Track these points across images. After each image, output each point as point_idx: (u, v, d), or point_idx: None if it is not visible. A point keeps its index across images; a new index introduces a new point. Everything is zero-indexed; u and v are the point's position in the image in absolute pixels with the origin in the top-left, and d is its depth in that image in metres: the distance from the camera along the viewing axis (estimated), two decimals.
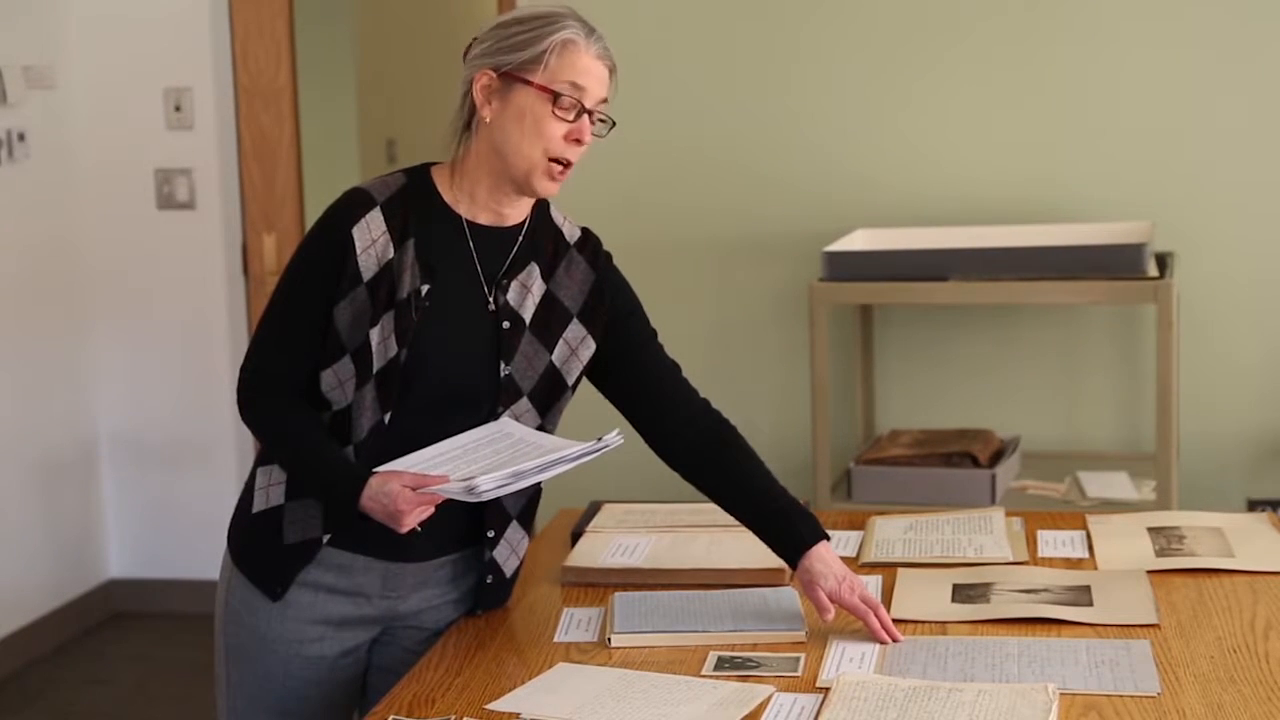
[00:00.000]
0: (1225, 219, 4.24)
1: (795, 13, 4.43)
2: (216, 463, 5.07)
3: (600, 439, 2.23)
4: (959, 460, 3.85)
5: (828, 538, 2.34)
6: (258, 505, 2.33)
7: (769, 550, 2.38)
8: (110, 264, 5.05)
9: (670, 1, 4.50)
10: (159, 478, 5.12)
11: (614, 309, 2.39)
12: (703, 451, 2.40)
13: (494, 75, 2.23)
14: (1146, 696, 2.02)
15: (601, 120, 2.27)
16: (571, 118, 2.22)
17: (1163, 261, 3.93)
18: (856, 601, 2.26)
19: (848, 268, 3.91)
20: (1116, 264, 3.74)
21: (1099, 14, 4.27)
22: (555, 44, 2.20)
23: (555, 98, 2.20)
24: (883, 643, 2.23)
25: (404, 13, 6.89)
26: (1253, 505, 4.20)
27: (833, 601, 2.27)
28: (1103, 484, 3.92)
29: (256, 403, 2.30)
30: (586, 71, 2.22)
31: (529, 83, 2.20)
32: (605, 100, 2.26)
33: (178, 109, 4.95)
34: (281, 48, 4.95)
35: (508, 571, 2.41)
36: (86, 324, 5.06)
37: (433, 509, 2.19)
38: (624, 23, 4.43)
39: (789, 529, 2.34)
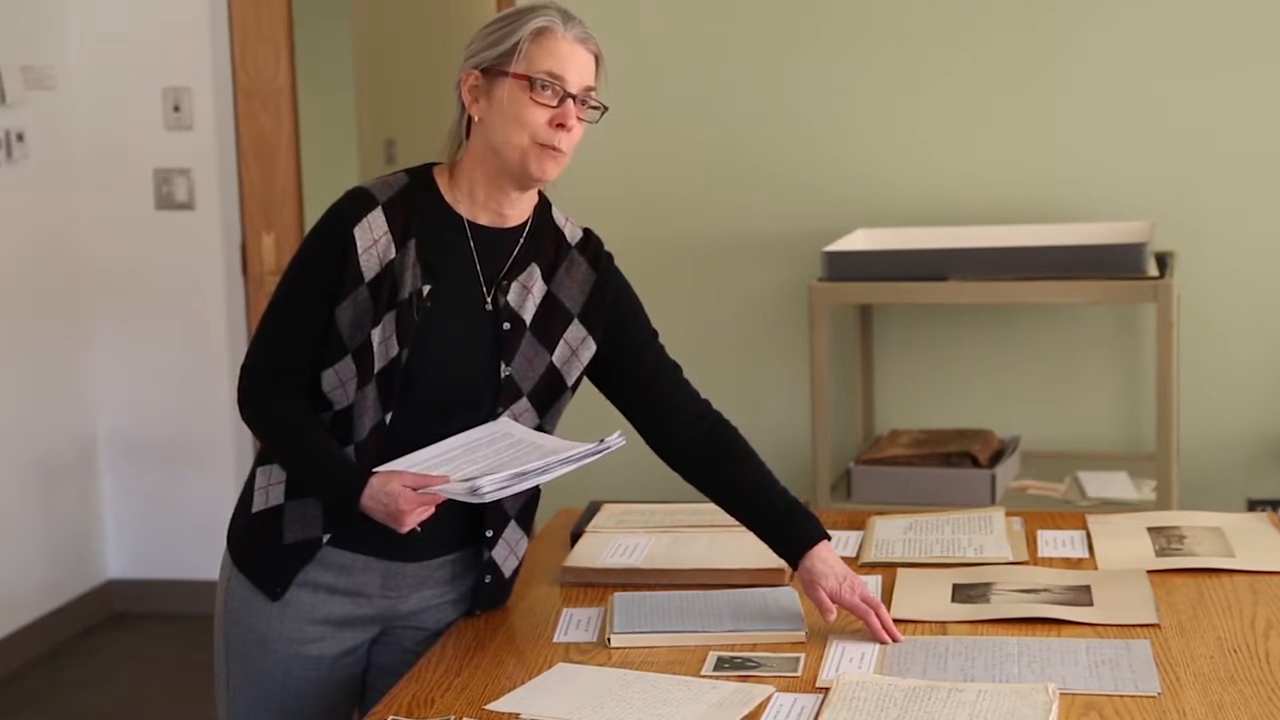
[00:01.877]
0: (1225, 218, 4.24)
1: (796, 13, 4.43)
2: (215, 463, 5.07)
3: (602, 441, 2.22)
4: (959, 460, 3.85)
5: (828, 537, 2.34)
6: (257, 505, 2.33)
7: (769, 550, 2.38)
8: (109, 264, 5.05)
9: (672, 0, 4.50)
10: (158, 478, 5.12)
11: (615, 310, 2.39)
12: (703, 452, 2.40)
13: (478, 74, 2.24)
14: (1146, 696, 2.02)
15: (593, 107, 2.26)
16: (554, 103, 2.22)
17: (1163, 261, 3.93)
18: (857, 601, 2.26)
19: (847, 267, 3.91)
20: (1116, 263, 3.73)
21: (1099, 13, 4.26)
22: (529, 32, 2.21)
23: (530, 83, 2.20)
24: (883, 643, 2.22)
25: (403, 13, 6.88)
26: (1253, 505, 4.20)
27: (834, 601, 2.27)
28: (1103, 484, 3.92)
29: (257, 402, 2.30)
30: (566, 57, 2.22)
31: (507, 73, 2.21)
32: (593, 88, 2.26)
33: (176, 109, 4.95)
34: (280, 48, 4.95)
35: (506, 571, 2.41)
36: (85, 324, 5.06)
37: (433, 509, 2.19)
38: (625, 21, 4.44)
39: (790, 529, 2.34)
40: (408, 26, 6.87)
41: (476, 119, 2.25)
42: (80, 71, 4.97)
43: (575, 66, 2.23)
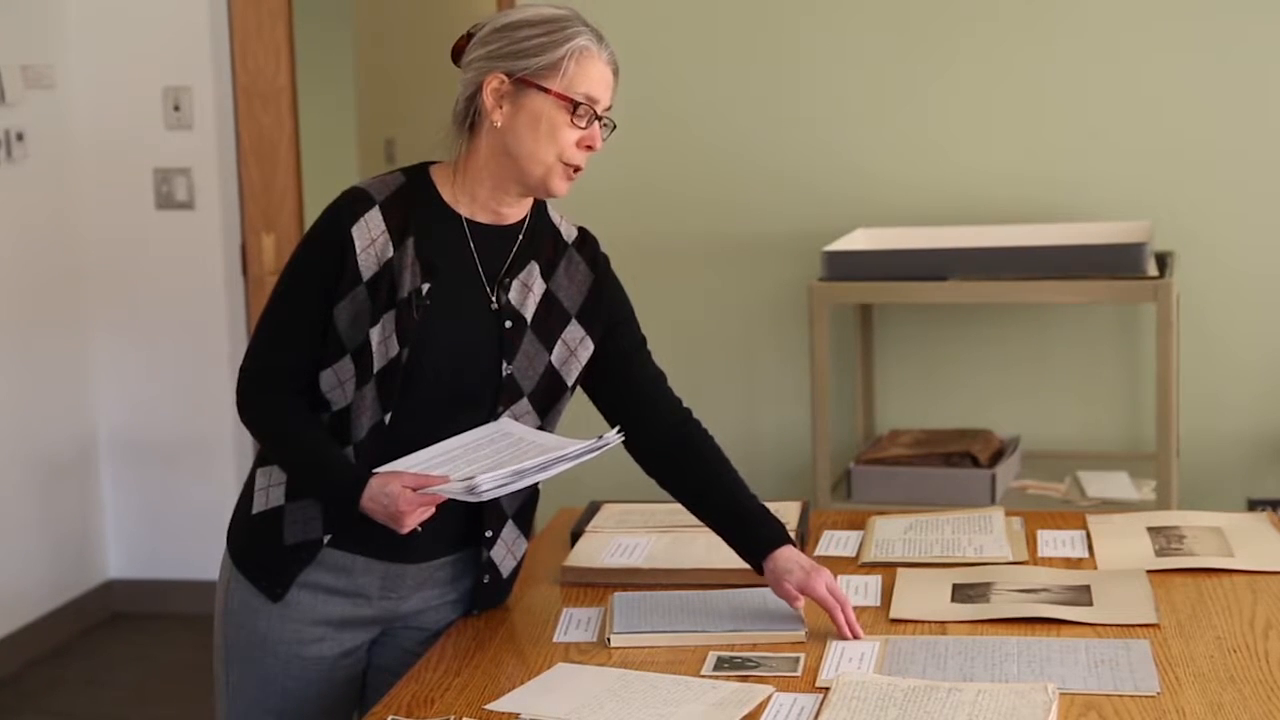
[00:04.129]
0: (1225, 218, 4.24)
1: (797, 12, 4.43)
2: (216, 463, 5.07)
3: (601, 437, 2.23)
4: (959, 460, 3.85)
5: (794, 542, 2.34)
6: (257, 506, 2.33)
7: None
8: (109, 264, 5.04)
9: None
10: (158, 478, 5.12)
11: (610, 313, 2.39)
12: (673, 457, 2.41)
13: (506, 79, 2.22)
14: (1146, 696, 2.02)
15: (604, 124, 2.27)
16: (584, 125, 2.22)
17: (1163, 261, 3.93)
18: (824, 593, 2.26)
19: (848, 267, 3.91)
20: (1117, 263, 3.73)
21: (1099, 14, 4.26)
22: (573, 52, 2.20)
23: (574, 107, 2.20)
24: (844, 638, 2.23)
25: (403, 12, 6.89)
26: (1253, 505, 4.20)
27: (801, 592, 2.27)
28: (1103, 484, 3.92)
29: (255, 403, 2.30)
30: (601, 80, 2.23)
31: (546, 90, 2.20)
32: (609, 106, 2.27)
33: (177, 109, 4.95)
34: (281, 47, 4.95)
35: (504, 572, 2.41)
36: (85, 324, 5.06)
37: (434, 509, 2.18)
38: (626, 19, 4.43)
39: (754, 531, 2.35)
40: (408, 26, 6.87)
41: (497, 124, 2.23)
42: (80, 71, 4.97)
43: (607, 89, 2.25)
